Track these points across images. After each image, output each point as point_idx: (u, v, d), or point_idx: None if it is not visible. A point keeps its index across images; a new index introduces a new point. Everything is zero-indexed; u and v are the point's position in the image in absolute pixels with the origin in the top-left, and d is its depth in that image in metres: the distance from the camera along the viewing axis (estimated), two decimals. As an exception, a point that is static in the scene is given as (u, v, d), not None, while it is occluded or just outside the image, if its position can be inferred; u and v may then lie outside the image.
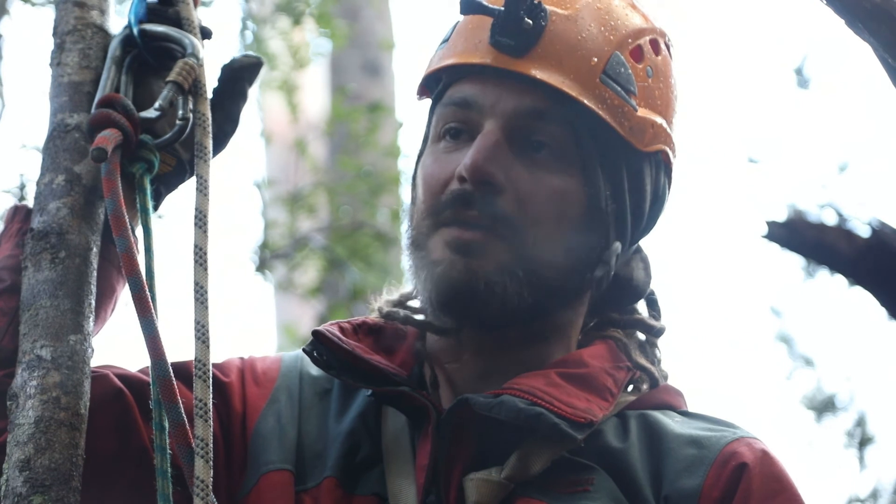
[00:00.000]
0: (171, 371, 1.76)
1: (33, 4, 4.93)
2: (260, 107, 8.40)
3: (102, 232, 1.88)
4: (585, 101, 1.85)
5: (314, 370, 1.97)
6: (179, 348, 1.86)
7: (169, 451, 1.79)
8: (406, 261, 1.90)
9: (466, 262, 1.82)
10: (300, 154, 7.35)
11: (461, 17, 1.93)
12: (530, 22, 1.85)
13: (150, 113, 1.89)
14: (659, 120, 1.92)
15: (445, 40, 1.94)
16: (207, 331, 1.79)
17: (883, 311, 4.54)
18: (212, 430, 1.75)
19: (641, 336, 1.99)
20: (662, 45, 1.96)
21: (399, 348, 1.94)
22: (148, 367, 1.83)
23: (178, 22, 1.97)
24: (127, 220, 1.81)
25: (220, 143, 1.99)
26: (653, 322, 2.00)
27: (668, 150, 1.93)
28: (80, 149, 1.89)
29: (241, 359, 2.00)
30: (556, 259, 1.84)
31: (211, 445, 1.74)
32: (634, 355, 1.95)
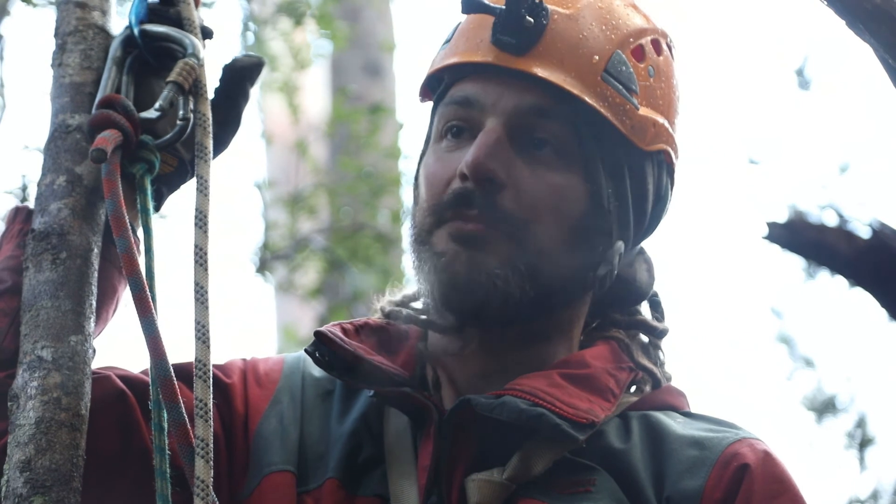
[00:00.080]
0: (172, 371, 1.76)
1: (34, 5, 4.93)
2: (261, 108, 8.39)
3: (103, 232, 1.88)
4: (587, 99, 1.85)
5: (316, 371, 1.97)
6: (180, 348, 1.87)
7: (168, 452, 1.79)
8: (409, 259, 1.90)
9: (470, 254, 1.82)
10: (301, 155, 7.35)
11: (463, 18, 1.93)
12: (531, 20, 1.85)
13: (151, 113, 1.89)
14: (661, 120, 1.91)
15: (447, 41, 1.94)
16: (208, 331, 1.79)
17: (883, 312, 4.54)
18: (212, 430, 1.75)
19: (644, 338, 1.99)
20: (664, 46, 1.96)
21: (401, 349, 1.94)
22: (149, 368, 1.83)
23: (179, 22, 1.97)
24: (127, 221, 1.81)
25: (222, 143, 1.99)
26: (655, 323, 2.00)
27: (670, 150, 1.93)
28: (81, 150, 1.89)
29: (244, 360, 2.00)
30: (558, 255, 1.84)
31: (211, 445, 1.74)
32: (637, 356, 1.94)
